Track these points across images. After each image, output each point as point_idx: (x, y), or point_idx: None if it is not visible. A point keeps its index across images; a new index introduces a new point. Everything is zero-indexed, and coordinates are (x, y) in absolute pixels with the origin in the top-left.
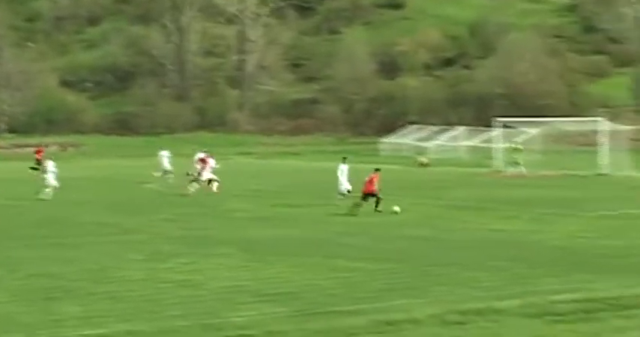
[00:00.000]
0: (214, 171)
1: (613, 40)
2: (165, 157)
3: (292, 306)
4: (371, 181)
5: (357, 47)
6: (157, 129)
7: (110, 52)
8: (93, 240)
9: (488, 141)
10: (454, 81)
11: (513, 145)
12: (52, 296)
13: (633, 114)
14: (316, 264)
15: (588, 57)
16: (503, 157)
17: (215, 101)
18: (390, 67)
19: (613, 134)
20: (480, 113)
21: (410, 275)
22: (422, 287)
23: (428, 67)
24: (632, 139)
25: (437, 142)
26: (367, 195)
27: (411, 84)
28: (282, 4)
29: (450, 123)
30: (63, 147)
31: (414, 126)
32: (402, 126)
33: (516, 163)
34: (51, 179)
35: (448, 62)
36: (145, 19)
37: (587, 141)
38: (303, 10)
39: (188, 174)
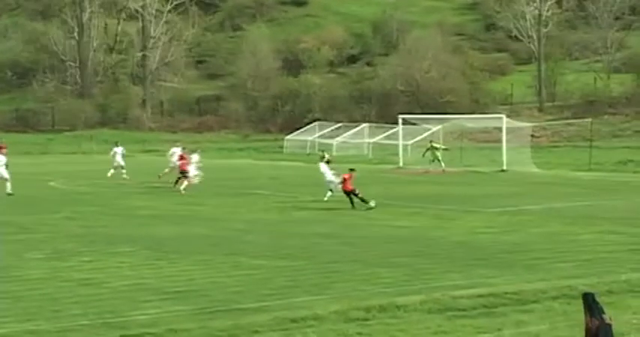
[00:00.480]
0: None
1: (513, 38)
2: (119, 154)
3: (196, 304)
4: (346, 180)
5: (260, 44)
6: (58, 126)
7: (9, 47)
8: None
9: (392, 137)
10: (358, 78)
11: (432, 144)
12: None
13: (533, 111)
14: (219, 262)
15: (489, 54)
16: (424, 155)
17: (117, 98)
18: (293, 64)
19: (514, 131)
20: (383, 110)
21: (313, 272)
22: (325, 284)
23: (331, 64)
24: (532, 136)
25: (341, 139)
26: (348, 193)
27: (315, 81)
28: (185, 0)
29: (354, 120)
30: None
31: (318, 123)
32: (307, 123)
33: (438, 160)
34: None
35: (352, 59)
36: (45, 14)
37: (489, 138)
38: (206, 7)
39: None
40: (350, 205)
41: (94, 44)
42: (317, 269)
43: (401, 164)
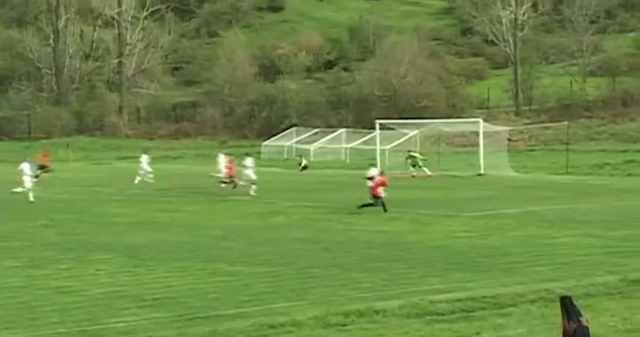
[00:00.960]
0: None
1: (490, 43)
2: (145, 161)
3: (174, 311)
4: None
5: (237, 50)
6: (34, 133)
7: None
8: None
9: (370, 142)
10: (334, 83)
11: (410, 153)
12: None
13: (510, 115)
14: (197, 269)
15: (466, 59)
16: (407, 162)
17: (94, 105)
18: (270, 70)
19: (491, 135)
20: (360, 115)
21: (291, 277)
22: (303, 290)
23: (308, 70)
24: (509, 140)
25: (318, 144)
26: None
27: (292, 87)
28: (161, 7)
29: (331, 126)
30: None
31: (295, 129)
32: (284, 129)
33: (419, 166)
34: None
35: (328, 65)
36: (20, 21)
37: (466, 142)
38: (182, 13)
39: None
40: (361, 207)
41: (70, 51)
42: (295, 274)
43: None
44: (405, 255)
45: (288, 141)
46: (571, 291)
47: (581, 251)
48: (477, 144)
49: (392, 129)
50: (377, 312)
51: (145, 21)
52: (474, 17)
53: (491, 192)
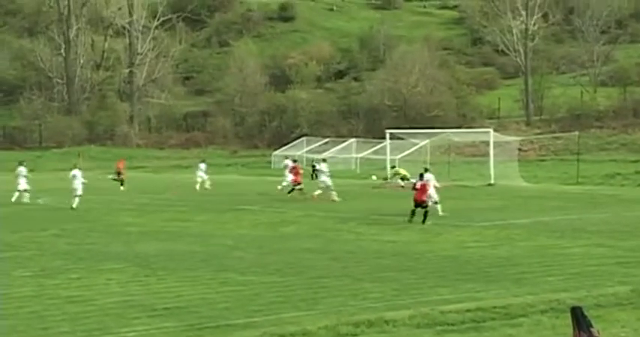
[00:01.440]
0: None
1: (500, 53)
2: (202, 169)
3: (184, 320)
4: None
5: (247, 60)
6: (46, 143)
7: None
8: None
9: (380, 152)
10: (345, 93)
11: (396, 170)
12: None
13: (521, 125)
14: (208, 278)
15: (476, 69)
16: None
17: (105, 114)
18: (281, 80)
19: (501, 145)
20: (371, 125)
21: (301, 287)
22: (314, 300)
23: (319, 80)
24: (519, 149)
25: (328, 154)
26: (418, 204)
27: (302, 96)
28: (172, 16)
29: (342, 135)
30: None
31: (306, 138)
32: (294, 138)
33: (407, 179)
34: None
35: (339, 74)
36: (31, 31)
37: (476, 152)
38: (193, 23)
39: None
40: (410, 218)
41: (81, 61)
42: (306, 284)
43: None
44: (415, 265)
45: (298, 150)
46: (582, 302)
47: (591, 261)
48: (487, 154)
49: (402, 138)
50: (387, 322)
51: (156, 30)
52: (485, 27)
53: (501, 202)
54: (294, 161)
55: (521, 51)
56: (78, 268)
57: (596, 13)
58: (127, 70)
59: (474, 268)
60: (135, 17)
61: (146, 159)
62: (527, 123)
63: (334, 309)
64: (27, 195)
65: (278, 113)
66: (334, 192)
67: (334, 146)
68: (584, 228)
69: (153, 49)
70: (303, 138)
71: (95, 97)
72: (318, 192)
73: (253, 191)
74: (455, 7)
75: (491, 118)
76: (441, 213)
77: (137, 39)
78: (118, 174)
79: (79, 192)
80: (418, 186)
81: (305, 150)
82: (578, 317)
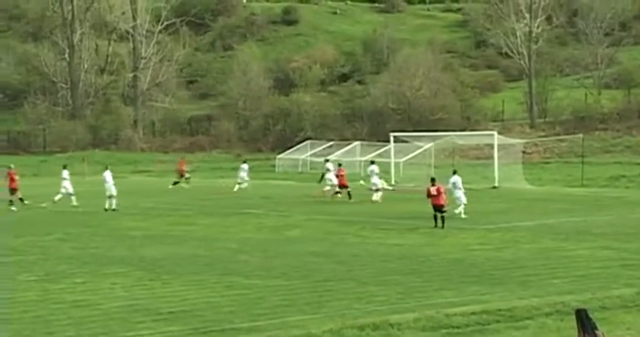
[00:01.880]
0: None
1: (504, 55)
2: (244, 170)
3: (189, 324)
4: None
5: (251, 63)
6: (50, 148)
7: (0, 70)
8: None
9: (384, 155)
10: (349, 96)
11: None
12: None
13: (525, 128)
14: (212, 282)
15: (480, 72)
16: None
17: (109, 119)
18: (284, 83)
19: (505, 147)
20: (375, 128)
21: (306, 291)
22: (319, 303)
23: (322, 83)
24: (524, 152)
25: (332, 157)
26: (437, 209)
27: (306, 100)
28: (176, 20)
29: (346, 139)
30: None
31: (310, 142)
32: (298, 142)
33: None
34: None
35: (343, 78)
36: (35, 36)
37: (481, 155)
38: (197, 27)
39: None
40: (434, 224)
41: (85, 65)
42: (310, 288)
43: (393, 182)
44: (420, 268)
45: (302, 154)
46: (587, 304)
47: (596, 263)
48: (491, 157)
49: (406, 141)
50: (392, 325)
51: (160, 35)
52: (488, 30)
53: (505, 205)
54: (339, 164)
55: (525, 53)
56: (82, 272)
57: (600, 16)
58: (131, 75)
59: (478, 271)
60: (139, 21)
61: (150, 164)
62: (532, 126)
63: (339, 313)
64: (73, 198)
65: (282, 117)
66: (380, 193)
67: (338, 149)
68: (588, 230)
69: (157, 53)
70: (307, 142)
71: (99, 102)
72: (375, 197)
73: (257, 194)
74: (458, 10)
75: (495, 121)
76: (463, 216)
77: (141, 43)
78: (181, 175)
79: (113, 192)
80: (434, 191)
81: (309, 153)
82: (583, 320)
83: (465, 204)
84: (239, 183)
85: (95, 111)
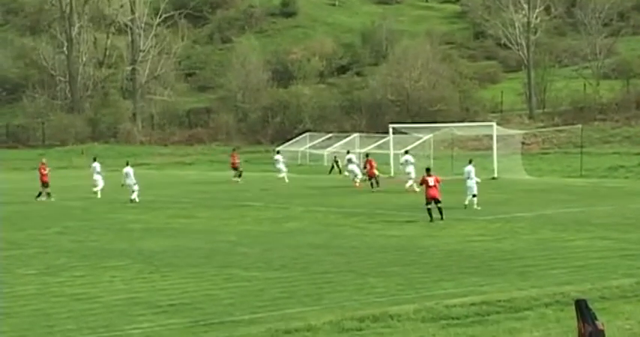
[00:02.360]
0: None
1: (502, 46)
2: (281, 161)
3: (189, 317)
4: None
5: (250, 56)
6: (49, 141)
7: None
8: None
9: (383, 147)
10: (348, 88)
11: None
12: None
13: (524, 119)
14: (212, 274)
15: (479, 63)
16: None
17: (108, 112)
18: (283, 76)
19: (504, 138)
20: (373, 120)
21: (306, 283)
22: (318, 295)
23: (321, 75)
24: (523, 143)
25: (332, 149)
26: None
27: (305, 92)
28: (174, 13)
29: (345, 130)
30: None
31: (309, 134)
32: (297, 134)
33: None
34: None
35: (341, 70)
36: (34, 29)
37: (480, 146)
38: (195, 20)
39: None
40: (430, 219)
41: (84, 58)
42: (310, 280)
43: (392, 173)
44: (420, 260)
45: (301, 146)
46: (586, 294)
47: (596, 254)
48: (490, 148)
49: (405, 133)
50: (392, 317)
51: (158, 28)
52: (487, 21)
53: (505, 196)
54: (367, 155)
55: (524, 44)
56: (82, 265)
57: (599, 6)
58: (130, 68)
59: (478, 262)
60: (137, 14)
61: (149, 156)
62: (530, 117)
63: (339, 304)
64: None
65: (281, 109)
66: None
67: (337, 141)
68: (588, 220)
69: (155, 46)
70: (306, 134)
71: (98, 95)
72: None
73: (256, 187)
74: (457, 0)
75: (494, 112)
76: (476, 207)
77: (139, 36)
78: (235, 168)
79: (135, 186)
80: (432, 182)
81: (308, 145)
82: (583, 310)
83: (474, 195)
84: (283, 172)
85: (94, 104)
